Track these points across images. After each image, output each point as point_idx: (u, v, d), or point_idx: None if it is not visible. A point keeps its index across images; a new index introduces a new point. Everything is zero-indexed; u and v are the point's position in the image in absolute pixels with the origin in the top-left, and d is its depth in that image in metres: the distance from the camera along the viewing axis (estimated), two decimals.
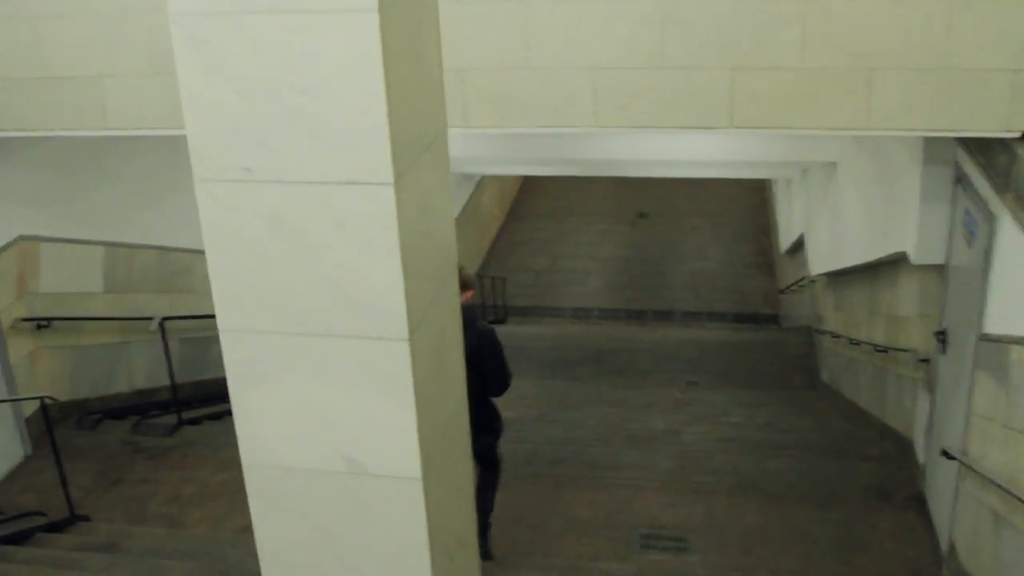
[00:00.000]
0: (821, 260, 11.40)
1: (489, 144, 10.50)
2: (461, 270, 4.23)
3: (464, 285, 4.61)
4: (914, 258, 6.02)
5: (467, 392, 4.16)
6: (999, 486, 4.40)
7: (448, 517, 2.41)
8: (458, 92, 4.91)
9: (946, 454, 5.20)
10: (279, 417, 2.14)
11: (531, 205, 21.65)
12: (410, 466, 2.13)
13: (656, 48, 4.81)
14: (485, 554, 5.19)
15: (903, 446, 6.85)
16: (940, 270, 6.06)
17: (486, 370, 4.85)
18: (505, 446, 7.24)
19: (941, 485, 5.75)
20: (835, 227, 10.22)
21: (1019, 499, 4.14)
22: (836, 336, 10.13)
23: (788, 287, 15.05)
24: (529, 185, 22.89)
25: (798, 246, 13.86)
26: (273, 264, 2.00)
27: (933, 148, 5.80)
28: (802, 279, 13.34)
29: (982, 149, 5.15)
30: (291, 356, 2.08)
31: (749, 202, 21.07)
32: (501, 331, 14.98)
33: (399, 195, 1.95)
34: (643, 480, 6.40)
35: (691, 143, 10.31)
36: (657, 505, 6.12)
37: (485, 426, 5.19)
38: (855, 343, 8.76)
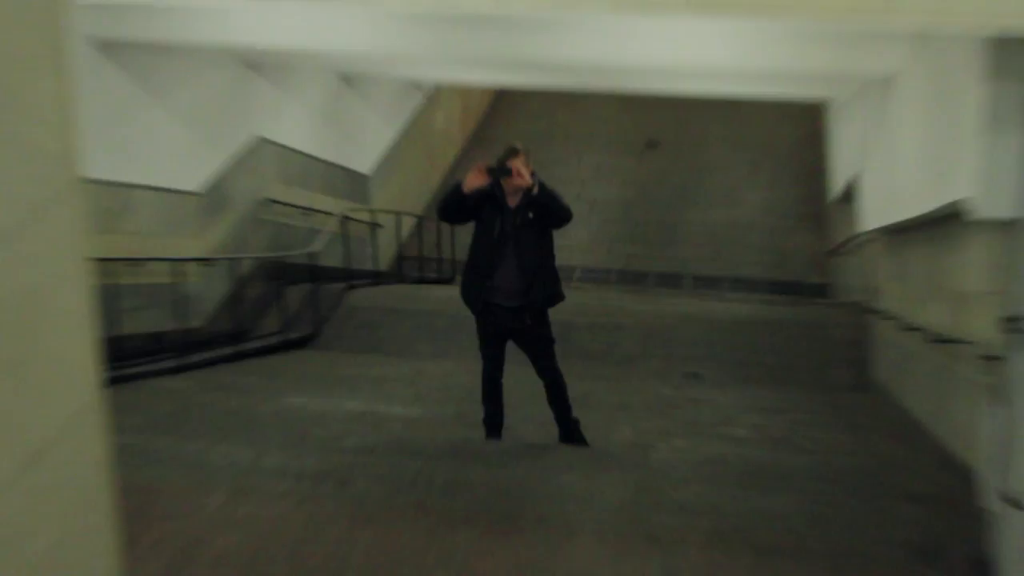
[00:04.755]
0: (875, 211, 10.75)
1: (428, 33, 9.76)
2: (519, 149, 6.70)
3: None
4: (975, 210, 5.25)
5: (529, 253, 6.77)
6: None
7: None
8: None
9: (1016, 503, 4.44)
10: None
11: (503, 127, 20.97)
12: None
13: None
14: (584, 441, 7.34)
15: (967, 481, 6.16)
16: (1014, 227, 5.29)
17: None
18: (387, 460, 6.65)
19: (1020, 545, 5.00)
20: (890, 166, 9.53)
21: None
22: (890, 318, 9.51)
23: (838, 248, 14.46)
24: (503, 101, 22.18)
25: (850, 192, 13.21)
26: None
27: (1003, 54, 5.01)
28: (853, 237, 12.71)
29: None
30: None
31: (798, 132, 20.42)
32: (440, 294, 14.49)
33: None
34: (577, 520, 5.68)
35: (702, 45, 9.63)
36: (591, 561, 5.39)
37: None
38: (911, 328, 8.08)
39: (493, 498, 6.04)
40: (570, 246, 16.65)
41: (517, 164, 6.67)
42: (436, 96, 19.00)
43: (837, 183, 15.41)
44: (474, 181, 6.67)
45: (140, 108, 10.25)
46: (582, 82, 15.45)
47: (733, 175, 19.09)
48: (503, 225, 6.81)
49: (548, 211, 6.74)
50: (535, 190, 6.67)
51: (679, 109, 20.41)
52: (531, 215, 6.75)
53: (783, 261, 16.63)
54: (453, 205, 6.79)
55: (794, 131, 20.35)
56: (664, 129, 20.50)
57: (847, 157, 14.00)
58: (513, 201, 6.81)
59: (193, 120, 11.23)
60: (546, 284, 6.93)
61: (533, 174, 6.73)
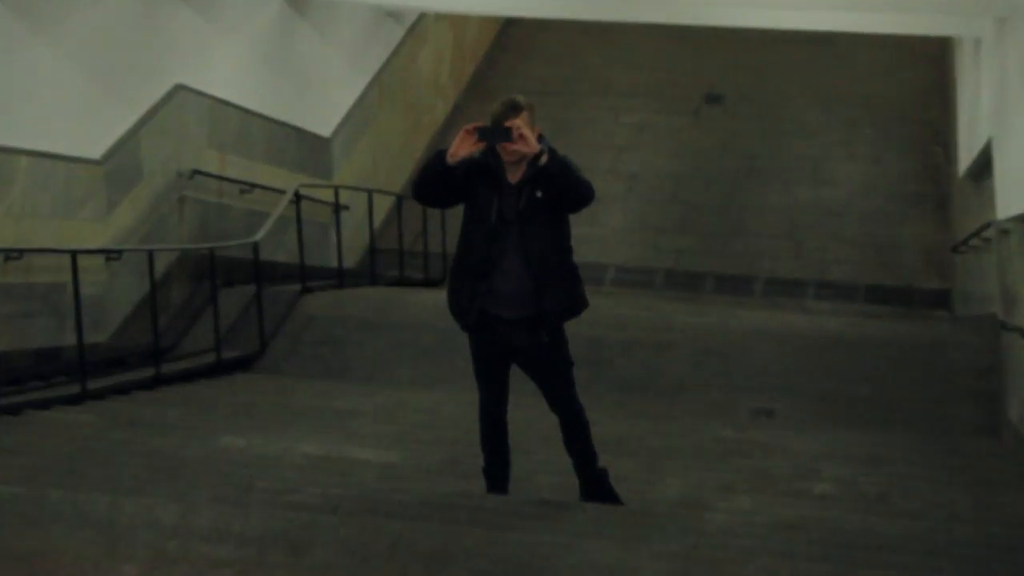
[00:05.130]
0: (1017, 191, 10.93)
1: None
2: (521, 104, 6.65)
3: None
4: None
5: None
6: None
7: None
8: None
9: None
10: None
11: (512, 73, 21.11)
12: None
13: None
14: (615, 498, 7.35)
15: None
16: None
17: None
18: (355, 521, 6.82)
19: None
20: None
21: None
22: None
23: (965, 241, 14.63)
24: (511, 37, 22.34)
25: (983, 164, 13.38)
26: None
27: None
28: (986, 226, 12.89)
29: None
30: None
31: (914, 81, 20.59)
32: (427, 301, 14.52)
33: None
34: None
35: None
36: None
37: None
38: None
39: (495, 572, 6.23)
40: (601, 236, 16.82)
41: (518, 124, 6.61)
42: (420, 30, 19.11)
43: (967, 152, 15.55)
44: (461, 148, 6.63)
45: (15, 44, 10.26)
46: (620, 11, 15.61)
47: (823, 141, 19.22)
48: (502, 208, 6.81)
49: (561, 187, 6.72)
50: (544, 159, 6.64)
51: (750, 50, 20.47)
52: (539, 193, 6.75)
53: (888, 259, 16.70)
54: (433, 181, 6.79)
55: (908, 81, 20.48)
56: (730, 77, 20.61)
57: (978, 116, 14.16)
58: (515, 175, 6.81)
59: (90, 61, 11.31)
60: (563, 287, 6.93)
61: (541, 137, 6.72)
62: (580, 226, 13.25)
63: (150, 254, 11.56)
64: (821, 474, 8.83)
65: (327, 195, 15.06)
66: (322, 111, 16.08)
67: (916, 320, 14.73)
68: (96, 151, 11.42)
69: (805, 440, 9.98)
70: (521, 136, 6.55)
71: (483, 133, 6.58)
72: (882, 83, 20.31)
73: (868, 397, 11.33)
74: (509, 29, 22.40)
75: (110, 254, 11.25)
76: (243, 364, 12.13)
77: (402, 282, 15.82)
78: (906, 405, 11.26)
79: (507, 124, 6.58)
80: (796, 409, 11.06)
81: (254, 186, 13.87)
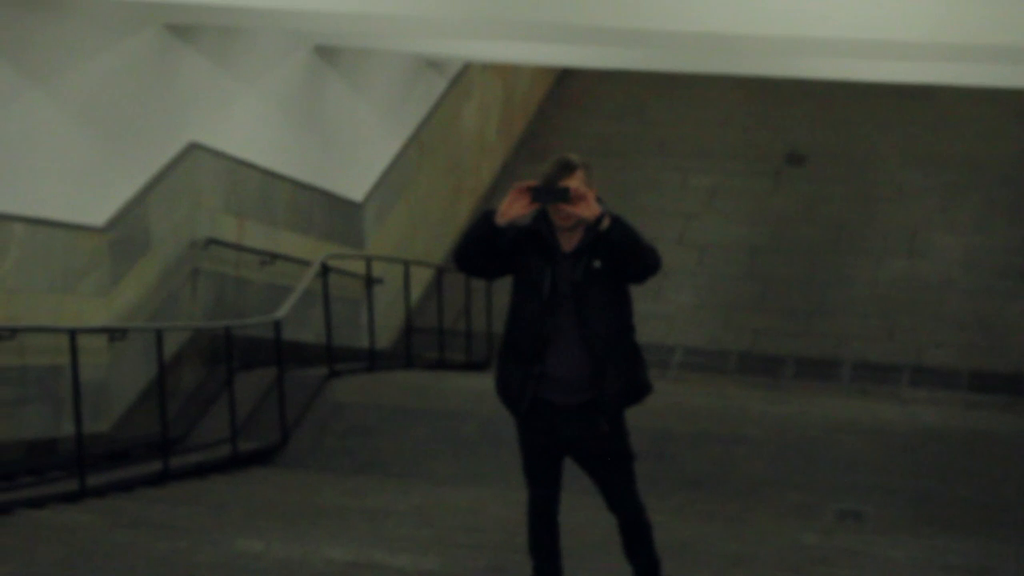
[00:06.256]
0: None
1: None
2: (575, 163, 6.69)
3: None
4: None
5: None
6: None
7: None
8: None
9: None
10: None
11: (567, 130, 21.21)
12: None
13: None
14: None
15: None
16: None
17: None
18: None
19: None
20: None
21: None
22: None
23: None
24: (567, 90, 22.47)
25: None
26: None
27: None
28: None
29: None
30: None
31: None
32: (470, 386, 14.43)
33: None
34: None
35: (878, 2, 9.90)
36: None
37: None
38: None
39: None
40: (666, 314, 16.82)
41: (574, 185, 6.59)
42: (464, 81, 19.28)
43: None
44: (512, 208, 6.61)
45: (8, 97, 10.37)
46: (690, 61, 15.68)
47: (919, 207, 19.19)
48: (555, 280, 6.78)
49: (624, 256, 6.69)
50: (605, 224, 6.61)
51: (837, 104, 20.50)
52: (598, 263, 6.74)
53: (996, 342, 16.57)
54: (479, 246, 6.77)
55: (1018, 140, 20.44)
56: (814, 136, 20.62)
57: None
58: (569, 243, 6.80)
59: (93, 117, 11.44)
60: (624, 369, 6.87)
61: (598, 200, 6.67)
62: (643, 302, 13.27)
63: (158, 333, 11.55)
64: None
65: (358, 267, 15.12)
66: (353, 172, 16.17)
67: None
68: (99, 217, 11.51)
69: (899, 547, 9.89)
70: (581, 197, 6.50)
71: (537, 193, 6.52)
72: (988, 142, 20.27)
73: (972, 499, 11.23)
74: (565, 81, 22.51)
75: (114, 333, 11.30)
76: (262, 457, 12.16)
77: (442, 365, 15.84)
78: (1016, 508, 11.15)
79: (562, 184, 6.54)
80: (889, 512, 10.99)
81: (276, 256, 13.96)
